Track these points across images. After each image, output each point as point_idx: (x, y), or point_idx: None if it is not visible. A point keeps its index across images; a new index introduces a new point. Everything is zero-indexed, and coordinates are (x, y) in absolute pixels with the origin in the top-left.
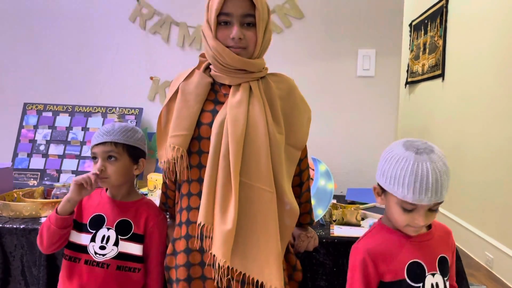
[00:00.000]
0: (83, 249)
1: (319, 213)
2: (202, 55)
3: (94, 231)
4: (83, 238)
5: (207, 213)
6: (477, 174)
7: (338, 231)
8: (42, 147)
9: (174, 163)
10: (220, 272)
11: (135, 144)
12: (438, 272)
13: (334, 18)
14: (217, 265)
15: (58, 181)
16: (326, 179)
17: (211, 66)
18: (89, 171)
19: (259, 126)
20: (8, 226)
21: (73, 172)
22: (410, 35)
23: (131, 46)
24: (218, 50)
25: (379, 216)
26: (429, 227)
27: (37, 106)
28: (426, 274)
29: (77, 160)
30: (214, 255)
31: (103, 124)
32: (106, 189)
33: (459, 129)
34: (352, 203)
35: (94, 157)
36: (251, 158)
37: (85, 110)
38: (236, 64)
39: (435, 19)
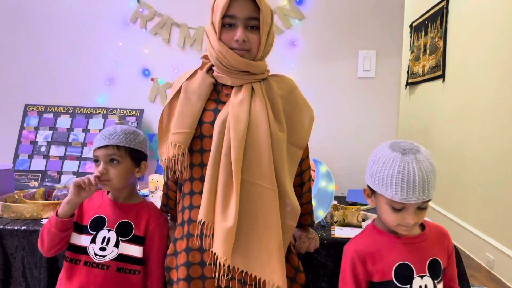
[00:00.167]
0: (83, 250)
1: (320, 214)
2: (205, 57)
3: (94, 233)
4: (83, 240)
5: (208, 210)
6: (477, 175)
7: (339, 232)
8: (43, 149)
9: (175, 160)
10: (221, 271)
11: (137, 147)
12: (428, 274)
13: (334, 20)
14: (218, 263)
15: (59, 182)
16: (327, 180)
17: (214, 68)
18: (90, 173)
19: (261, 124)
20: (9, 227)
21: (74, 173)
22: (411, 36)
23: (131, 47)
24: (222, 51)
25: None
26: (423, 228)
27: (38, 108)
28: (414, 276)
29: (78, 162)
30: (215, 253)
31: (104, 125)
32: (108, 192)
33: (459, 130)
34: (353, 204)
35: (96, 160)
36: (252, 156)
37: (86, 112)
38: (240, 65)
39: (436, 20)
